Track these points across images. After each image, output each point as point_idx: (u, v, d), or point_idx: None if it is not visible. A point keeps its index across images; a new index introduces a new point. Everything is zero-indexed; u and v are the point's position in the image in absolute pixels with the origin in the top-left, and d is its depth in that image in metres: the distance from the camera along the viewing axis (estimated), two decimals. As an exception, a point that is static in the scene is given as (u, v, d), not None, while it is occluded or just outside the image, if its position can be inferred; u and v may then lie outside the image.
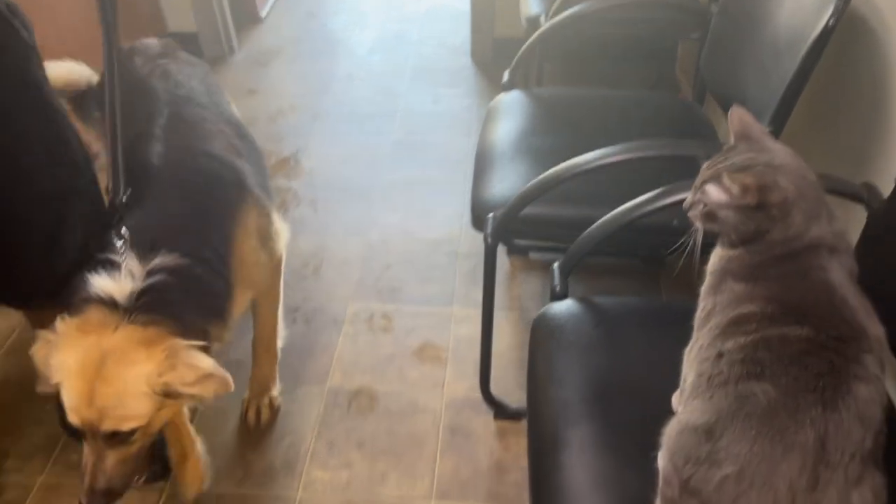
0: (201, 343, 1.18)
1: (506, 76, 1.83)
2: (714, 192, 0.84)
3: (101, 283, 1.17)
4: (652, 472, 0.91)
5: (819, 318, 0.78)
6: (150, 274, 1.19)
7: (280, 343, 1.70)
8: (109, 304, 1.16)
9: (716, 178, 0.84)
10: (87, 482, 1.16)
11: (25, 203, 1.29)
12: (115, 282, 1.17)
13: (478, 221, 1.43)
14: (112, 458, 1.16)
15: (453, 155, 2.59)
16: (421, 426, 1.70)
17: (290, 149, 2.66)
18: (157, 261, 1.20)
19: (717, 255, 0.89)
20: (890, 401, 0.83)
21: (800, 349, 0.76)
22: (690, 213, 0.89)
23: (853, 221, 1.14)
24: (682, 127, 1.64)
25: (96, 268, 1.19)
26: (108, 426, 1.13)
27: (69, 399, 1.13)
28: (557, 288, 1.22)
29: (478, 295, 2.01)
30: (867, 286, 0.96)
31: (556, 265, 1.26)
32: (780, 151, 0.86)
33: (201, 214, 1.34)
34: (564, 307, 1.21)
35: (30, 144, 1.26)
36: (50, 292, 1.33)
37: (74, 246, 1.37)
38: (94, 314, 1.15)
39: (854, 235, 1.13)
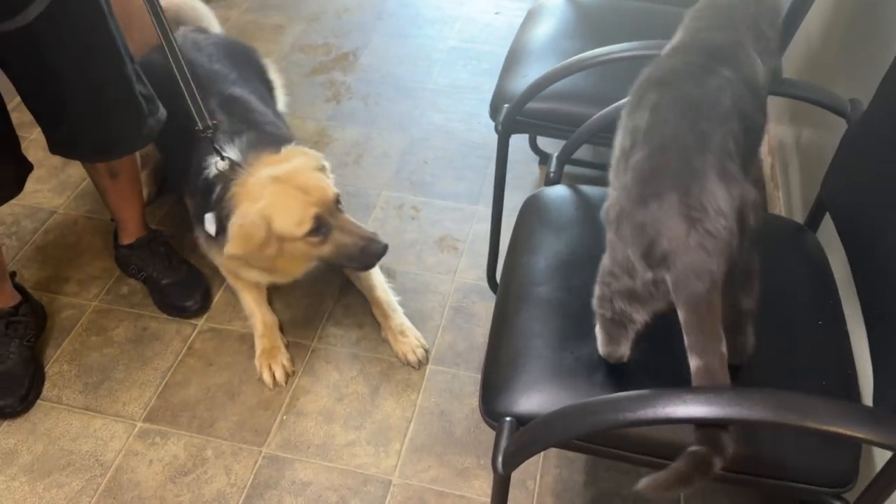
0: None
1: (550, -18, 1.88)
2: None
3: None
4: (588, 328, 1.03)
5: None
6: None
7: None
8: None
9: None
10: (369, 236, 1.58)
11: (112, 70, 1.51)
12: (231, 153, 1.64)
13: (494, 112, 1.53)
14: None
15: (504, 65, 2.65)
16: (429, 304, 1.85)
17: (350, 45, 2.78)
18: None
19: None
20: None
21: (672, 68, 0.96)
22: None
23: (837, 134, 1.20)
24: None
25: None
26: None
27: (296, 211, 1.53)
28: (552, 174, 1.32)
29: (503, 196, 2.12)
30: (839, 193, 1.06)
31: (554, 155, 1.36)
32: None
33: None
34: (555, 191, 1.31)
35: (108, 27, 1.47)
36: (126, 145, 1.63)
37: (143, 111, 1.58)
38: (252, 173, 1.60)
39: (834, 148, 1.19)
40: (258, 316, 1.74)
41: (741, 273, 0.90)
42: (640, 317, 0.91)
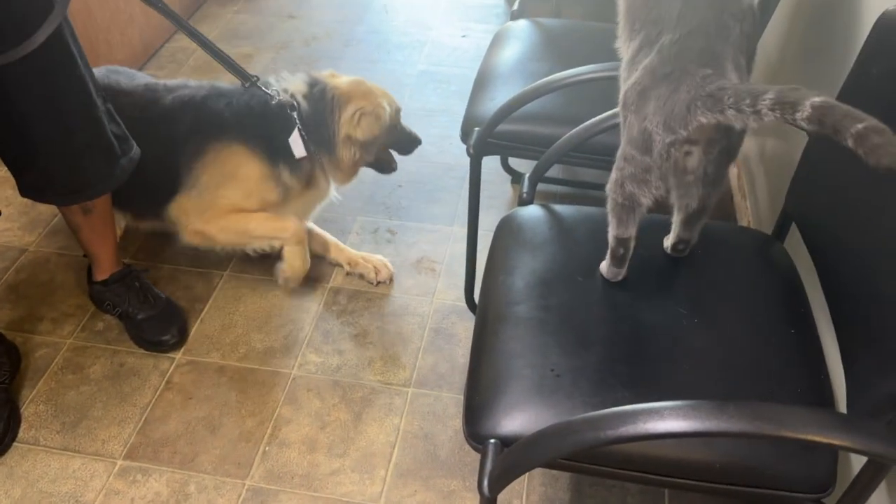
0: None
1: (516, 4, 1.92)
2: None
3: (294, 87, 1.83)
4: (569, 345, 1.04)
5: None
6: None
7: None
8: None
9: None
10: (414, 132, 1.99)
11: (85, 116, 1.50)
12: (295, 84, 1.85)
13: (465, 135, 1.55)
14: None
15: (474, 87, 2.68)
16: (409, 327, 1.86)
17: (320, 72, 2.79)
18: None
19: None
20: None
21: None
22: None
23: (800, 145, 1.23)
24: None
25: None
26: None
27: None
28: (525, 195, 1.34)
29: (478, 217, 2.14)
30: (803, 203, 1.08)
31: (526, 175, 1.38)
32: None
33: None
34: (528, 211, 1.33)
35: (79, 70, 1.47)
36: (99, 187, 1.61)
37: (115, 151, 1.58)
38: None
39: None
40: (283, 221, 1.84)
41: (723, 165, 1.04)
42: (646, 199, 1.06)
